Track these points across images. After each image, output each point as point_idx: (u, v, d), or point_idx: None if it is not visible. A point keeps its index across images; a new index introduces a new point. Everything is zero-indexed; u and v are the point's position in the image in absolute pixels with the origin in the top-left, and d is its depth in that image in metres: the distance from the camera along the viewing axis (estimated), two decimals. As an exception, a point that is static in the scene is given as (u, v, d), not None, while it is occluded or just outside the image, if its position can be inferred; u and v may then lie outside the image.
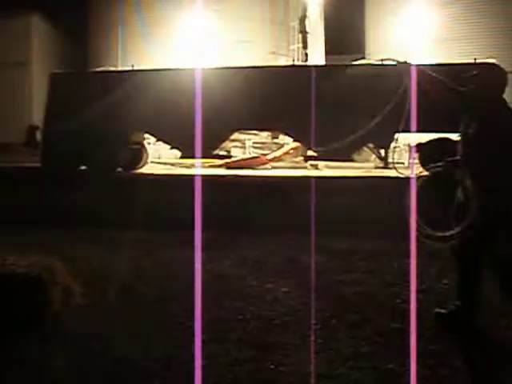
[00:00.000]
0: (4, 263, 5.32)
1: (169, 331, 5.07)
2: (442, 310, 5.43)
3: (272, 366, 4.43)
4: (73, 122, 15.43)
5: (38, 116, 20.46)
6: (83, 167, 16.19)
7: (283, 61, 21.61)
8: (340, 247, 8.31)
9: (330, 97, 14.35)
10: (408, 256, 5.18)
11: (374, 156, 16.70)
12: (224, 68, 16.00)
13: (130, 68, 16.67)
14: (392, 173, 15.97)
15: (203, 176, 15.54)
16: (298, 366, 4.44)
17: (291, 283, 6.54)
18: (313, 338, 4.88)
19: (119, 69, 18.80)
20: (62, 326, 5.02)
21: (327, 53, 24.19)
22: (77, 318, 5.22)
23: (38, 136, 21.14)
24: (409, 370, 4.20)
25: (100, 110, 15.46)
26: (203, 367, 4.28)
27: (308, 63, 21.36)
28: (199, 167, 17.42)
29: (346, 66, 16.58)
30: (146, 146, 17.64)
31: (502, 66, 15.65)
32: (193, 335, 4.49)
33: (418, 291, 5.47)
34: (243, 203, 11.29)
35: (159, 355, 4.55)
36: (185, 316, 5.27)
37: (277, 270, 7.09)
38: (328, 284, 6.55)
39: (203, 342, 4.74)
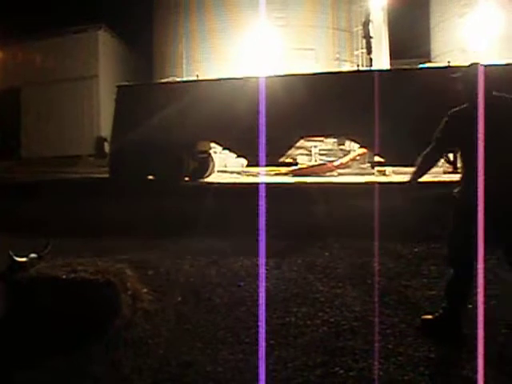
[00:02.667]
0: (75, 269, 5.40)
1: (237, 336, 5.05)
2: (429, 316, 5.29)
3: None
4: (139, 132, 15.69)
5: (106, 128, 20.90)
6: (151, 177, 16.43)
7: (347, 67, 21.52)
8: (411, 251, 8.15)
9: (399, 101, 14.18)
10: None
11: (442, 160, 16.41)
12: (288, 75, 16.00)
13: (194, 78, 16.86)
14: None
15: (270, 184, 15.63)
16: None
17: (360, 288, 6.44)
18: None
19: (184, 79, 19.06)
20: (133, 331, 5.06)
21: (392, 57, 23.97)
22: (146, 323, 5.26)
23: (107, 147, 21.57)
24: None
25: (166, 121, 15.67)
26: (272, 371, 4.25)
27: (373, 68, 21.19)
28: (264, 175, 17.50)
29: (414, 69, 16.41)
30: (213, 155, 17.79)
31: None
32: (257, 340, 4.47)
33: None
34: (309, 211, 11.22)
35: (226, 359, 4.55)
36: (252, 321, 5.25)
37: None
38: (397, 288, 6.43)
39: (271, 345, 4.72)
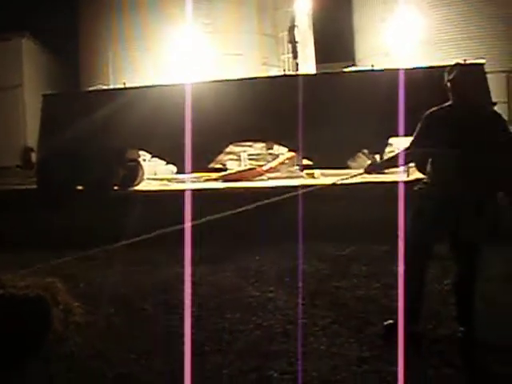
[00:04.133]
0: (4, 284, 5.32)
1: (171, 345, 5.06)
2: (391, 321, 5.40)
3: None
4: (67, 142, 15.44)
5: (33, 138, 20.50)
6: (79, 187, 16.19)
7: (275, 71, 21.68)
8: (340, 254, 8.30)
9: (324, 105, 14.39)
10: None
11: (369, 162, 16.71)
12: (215, 81, 16.01)
13: (122, 86, 16.71)
14: (388, 178, 16.06)
15: (199, 190, 15.61)
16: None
17: (293, 291, 6.53)
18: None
19: (111, 87, 18.86)
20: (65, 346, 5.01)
21: (317, 61, 24.28)
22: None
23: (34, 158, 21.14)
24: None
25: (94, 129, 15.46)
26: (208, 378, 4.28)
27: (299, 72, 21.42)
28: (192, 182, 17.46)
29: (339, 73, 16.68)
30: (142, 162, 17.64)
31: (492, 66, 16.00)
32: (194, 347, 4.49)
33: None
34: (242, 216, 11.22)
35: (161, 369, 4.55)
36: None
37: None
38: (329, 290, 6.55)
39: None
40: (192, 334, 5.01)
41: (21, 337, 4.88)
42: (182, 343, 5.01)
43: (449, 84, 5.23)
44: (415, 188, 5.33)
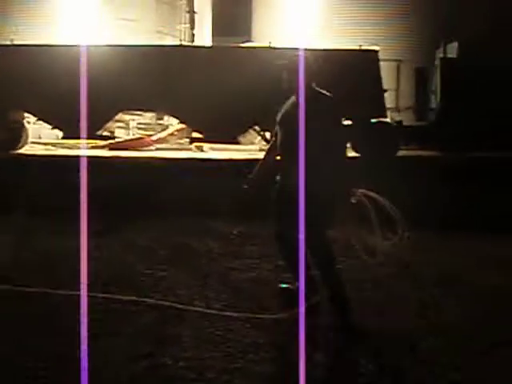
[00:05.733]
0: None
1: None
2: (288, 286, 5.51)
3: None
4: None
5: None
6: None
7: (169, 41, 21.31)
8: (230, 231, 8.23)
9: (218, 79, 14.31)
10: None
11: (259, 138, 16.76)
12: (108, 46, 15.58)
13: (8, 43, 15.95)
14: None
15: (85, 157, 15.18)
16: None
17: (182, 269, 6.40)
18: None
19: (-3, 43, 17.95)
20: None
21: (214, 34, 24.04)
22: None
23: None
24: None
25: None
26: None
27: (195, 44, 21.19)
28: (81, 148, 16.99)
29: (235, 47, 16.62)
30: (26, 125, 16.97)
31: (387, 52, 16.34)
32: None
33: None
34: (126, 186, 10.99)
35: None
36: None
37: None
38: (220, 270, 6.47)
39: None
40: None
41: None
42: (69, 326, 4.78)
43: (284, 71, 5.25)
44: (277, 177, 5.34)
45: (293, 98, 5.22)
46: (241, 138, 15.63)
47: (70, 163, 13.38)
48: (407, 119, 17.14)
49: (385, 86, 15.67)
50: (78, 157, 15.11)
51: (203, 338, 4.71)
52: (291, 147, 4.85)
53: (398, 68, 17.91)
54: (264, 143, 16.21)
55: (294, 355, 3.96)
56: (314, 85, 5.15)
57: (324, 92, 5.16)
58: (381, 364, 4.40)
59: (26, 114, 16.62)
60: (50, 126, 16.30)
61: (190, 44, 20.74)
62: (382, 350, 4.66)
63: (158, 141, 16.98)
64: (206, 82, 14.27)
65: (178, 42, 19.38)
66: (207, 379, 4.03)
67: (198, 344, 4.61)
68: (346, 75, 14.17)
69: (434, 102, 17.69)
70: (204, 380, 4.03)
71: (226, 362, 4.32)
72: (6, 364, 4.12)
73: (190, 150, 16.86)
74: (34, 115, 16.11)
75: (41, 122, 16.44)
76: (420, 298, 5.77)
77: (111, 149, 16.33)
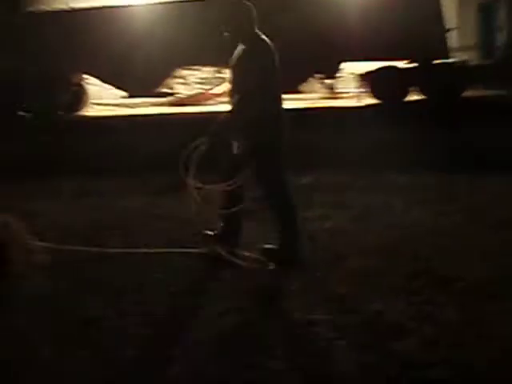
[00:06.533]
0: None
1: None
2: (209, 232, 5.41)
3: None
4: (8, 66, 14.83)
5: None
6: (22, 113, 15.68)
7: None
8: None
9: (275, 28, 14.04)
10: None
11: (320, 86, 16.55)
12: (163, 3, 15.48)
13: (66, 7, 15.96)
14: (338, 102, 15.97)
15: (147, 115, 15.25)
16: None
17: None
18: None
19: (55, 8, 17.94)
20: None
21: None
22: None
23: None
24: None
25: (36, 52, 14.89)
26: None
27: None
28: (143, 106, 17.07)
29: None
30: (87, 87, 17.10)
31: None
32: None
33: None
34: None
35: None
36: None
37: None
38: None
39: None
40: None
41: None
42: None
43: None
44: None
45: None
46: (302, 87, 15.44)
47: (134, 123, 13.64)
48: (471, 58, 16.61)
49: (447, 25, 15.21)
50: (140, 116, 15.23)
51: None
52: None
53: (460, 4, 17.32)
54: (325, 91, 16.00)
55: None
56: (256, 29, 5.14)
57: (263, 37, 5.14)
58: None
59: (86, 76, 16.75)
60: (111, 87, 16.39)
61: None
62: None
63: (219, 94, 16.93)
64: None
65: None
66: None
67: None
68: (406, 15, 13.82)
69: (500, 39, 17.10)
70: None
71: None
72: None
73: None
74: (95, 77, 16.19)
75: (102, 82, 16.53)
76: None
77: (172, 105, 16.35)
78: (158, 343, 3.85)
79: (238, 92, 4.97)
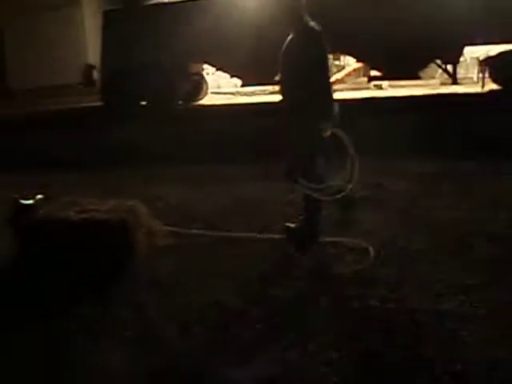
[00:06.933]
0: (86, 208, 5.17)
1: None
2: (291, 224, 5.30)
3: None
4: (130, 57, 15.27)
5: (93, 55, 20.39)
6: (144, 102, 16.09)
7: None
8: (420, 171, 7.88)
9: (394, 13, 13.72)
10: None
11: (440, 72, 16.10)
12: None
13: (182, -1, 16.23)
14: (460, 89, 15.47)
15: (265, 104, 15.28)
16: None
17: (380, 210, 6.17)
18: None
19: (172, 0, 18.36)
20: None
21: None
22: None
23: (95, 75, 21.09)
24: None
25: (155, 44, 15.22)
26: None
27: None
28: (257, 95, 17.15)
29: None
30: (205, 76, 17.37)
31: None
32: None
33: None
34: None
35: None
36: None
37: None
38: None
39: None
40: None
41: (105, 262, 4.76)
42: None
43: None
44: None
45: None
46: (421, 73, 15.04)
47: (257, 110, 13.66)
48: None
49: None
50: (258, 104, 15.31)
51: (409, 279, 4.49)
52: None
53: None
54: (446, 77, 15.53)
55: None
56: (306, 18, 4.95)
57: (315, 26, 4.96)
58: None
59: (204, 66, 17.01)
60: (229, 76, 16.55)
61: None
62: None
63: (336, 82, 16.79)
64: (379, 17, 13.65)
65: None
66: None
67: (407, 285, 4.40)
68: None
69: None
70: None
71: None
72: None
73: (368, 88, 16.55)
74: (214, 66, 16.38)
75: (219, 72, 16.73)
76: None
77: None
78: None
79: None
